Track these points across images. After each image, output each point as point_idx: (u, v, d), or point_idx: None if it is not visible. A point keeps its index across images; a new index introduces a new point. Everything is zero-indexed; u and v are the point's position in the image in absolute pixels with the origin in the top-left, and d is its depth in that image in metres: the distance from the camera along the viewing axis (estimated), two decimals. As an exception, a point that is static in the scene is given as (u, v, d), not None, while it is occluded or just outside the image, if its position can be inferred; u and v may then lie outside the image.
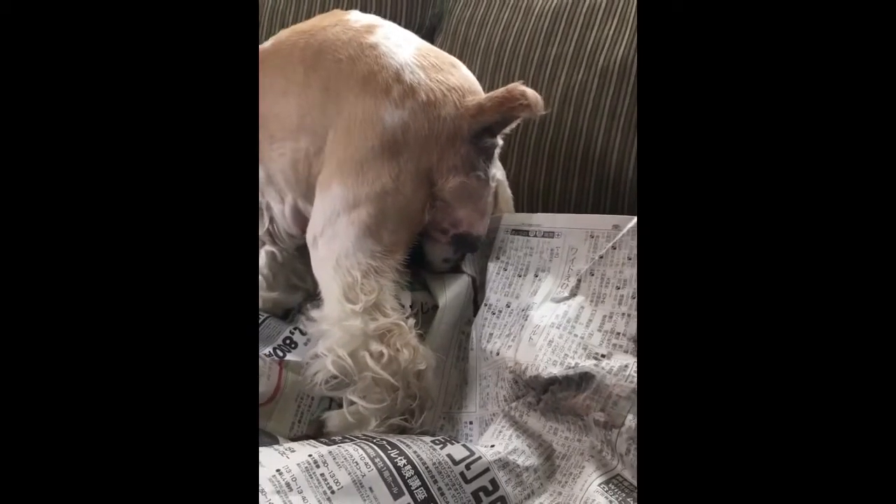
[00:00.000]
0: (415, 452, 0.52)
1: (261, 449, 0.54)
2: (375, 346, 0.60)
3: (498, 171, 0.71)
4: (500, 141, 0.68)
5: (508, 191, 0.80)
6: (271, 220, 0.78)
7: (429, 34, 1.00)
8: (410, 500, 0.50)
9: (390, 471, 0.51)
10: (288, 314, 0.81)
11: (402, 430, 0.62)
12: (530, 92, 0.61)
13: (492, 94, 0.63)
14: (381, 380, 0.60)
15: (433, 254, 0.68)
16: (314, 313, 0.65)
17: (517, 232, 0.69)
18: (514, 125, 0.68)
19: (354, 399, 0.61)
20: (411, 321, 0.63)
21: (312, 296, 0.72)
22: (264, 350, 0.74)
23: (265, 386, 0.67)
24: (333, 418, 0.64)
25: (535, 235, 0.67)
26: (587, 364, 0.55)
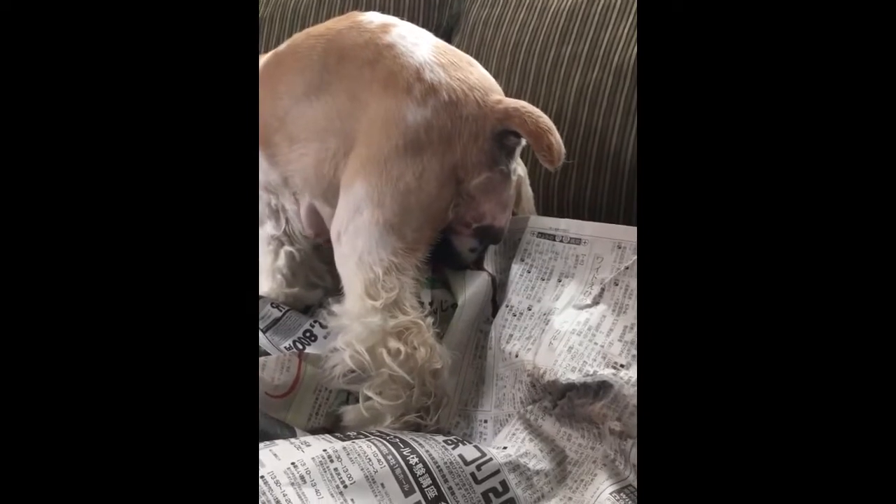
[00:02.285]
0: (427, 451, 0.51)
1: (277, 442, 0.53)
2: (393, 344, 0.59)
3: (519, 167, 0.70)
4: (523, 141, 0.66)
5: (530, 189, 0.78)
6: (287, 221, 0.77)
7: (446, 35, 0.98)
8: (421, 497, 0.48)
9: (402, 468, 0.49)
10: (308, 309, 0.80)
11: (417, 427, 0.60)
12: (556, 147, 0.60)
13: (524, 116, 0.61)
14: (397, 377, 0.58)
15: (460, 245, 0.67)
16: (335, 308, 0.64)
17: (543, 235, 0.67)
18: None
19: (370, 394, 0.60)
20: (429, 319, 0.62)
21: (332, 292, 0.71)
22: (285, 343, 0.74)
23: (285, 377, 0.66)
24: (350, 413, 0.63)
25: (562, 241, 0.65)
26: (605, 373, 0.54)
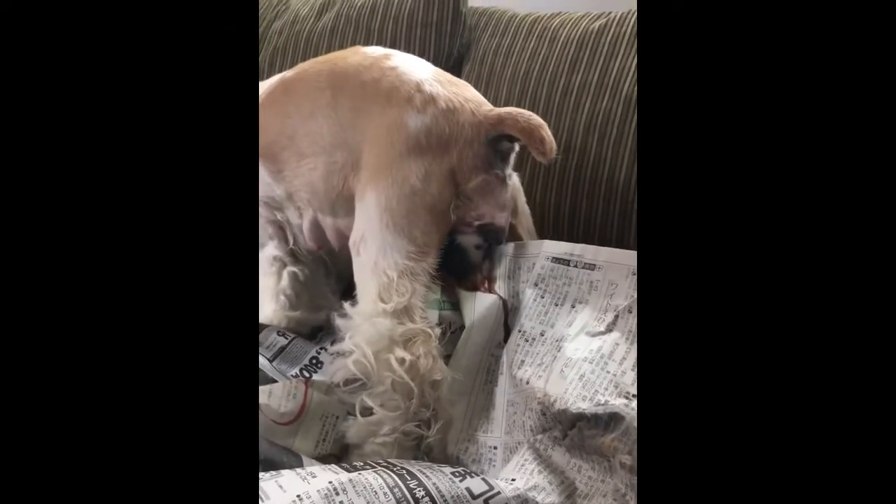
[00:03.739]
0: (434, 484, 0.50)
1: (283, 472, 0.51)
2: (399, 353, 0.60)
3: (514, 175, 0.72)
4: (517, 146, 0.69)
5: (526, 206, 0.78)
6: (294, 236, 0.78)
7: (457, 64, 0.98)
8: (428, 531, 0.47)
9: (408, 501, 0.48)
10: (315, 333, 0.79)
11: (418, 439, 0.60)
12: (549, 141, 0.63)
13: (516, 116, 0.65)
14: (399, 384, 0.59)
15: (466, 242, 0.68)
16: (347, 307, 0.65)
17: (558, 261, 0.66)
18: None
19: (370, 402, 0.60)
20: (437, 330, 0.63)
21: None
22: (291, 371, 0.73)
23: (291, 405, 0.66)
24: (352, 427, 0.63)
25: (576, 266, 0.64)
26: (617, 403, 0.52)
